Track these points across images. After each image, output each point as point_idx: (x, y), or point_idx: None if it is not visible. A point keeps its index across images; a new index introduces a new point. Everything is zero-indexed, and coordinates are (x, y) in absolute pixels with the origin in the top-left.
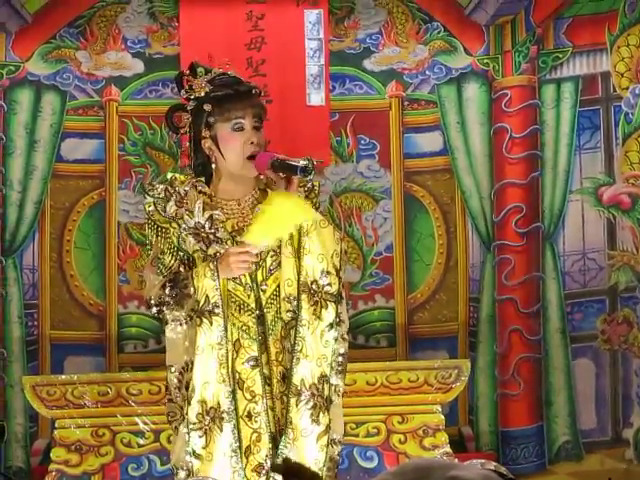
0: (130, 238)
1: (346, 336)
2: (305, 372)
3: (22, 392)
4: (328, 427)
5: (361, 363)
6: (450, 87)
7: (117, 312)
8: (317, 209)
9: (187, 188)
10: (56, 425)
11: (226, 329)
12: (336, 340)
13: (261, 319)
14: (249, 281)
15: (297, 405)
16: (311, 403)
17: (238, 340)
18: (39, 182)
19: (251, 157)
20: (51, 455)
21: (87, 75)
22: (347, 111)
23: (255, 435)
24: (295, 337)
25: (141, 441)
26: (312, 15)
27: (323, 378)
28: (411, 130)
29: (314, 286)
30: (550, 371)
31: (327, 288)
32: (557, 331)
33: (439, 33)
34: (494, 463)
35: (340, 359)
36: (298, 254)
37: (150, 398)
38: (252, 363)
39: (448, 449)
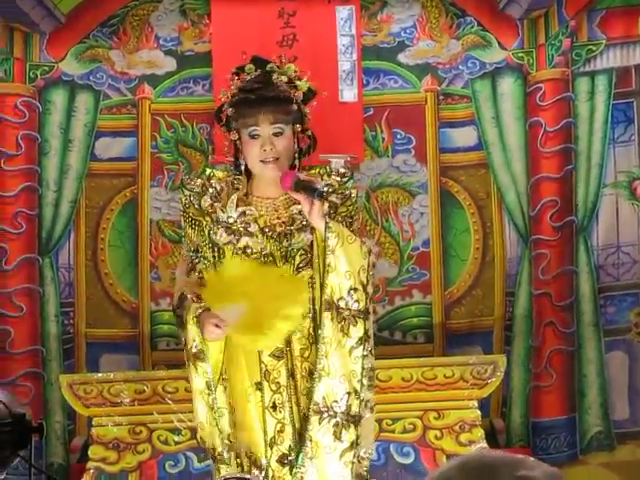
0: (162, 235)
1: (373, 351)
2: (327, 390)
3: (60, 390)
4: (354, 444)
5: (397, 359)
6: (484, 82)
7: (150, 309)
8: (352, 218)
9: (224, 185)
10: (93, 423)
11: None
12: (365, 356)
13: None
14: None
15: (320, 423)
16: (333, 421)
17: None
18: (74, 181)
19: (264, 161)
20: (89, 453)
21: (120, 74)
22: (382, 106)
23: (279, 425)
24: (317, 355)
25: (177, 438)
26: (344, 11)
27: (349, 395)
28: (446, 125)
29: (341, 303)
30: (583, 363)
31: (355, 305)
32: (590, 324)
33: (472, 28)
34: (532, 459)
35: (371, 374)
36: (322, 271)
37: (186, 395)
38: (278, 354)
39: (484, 444)
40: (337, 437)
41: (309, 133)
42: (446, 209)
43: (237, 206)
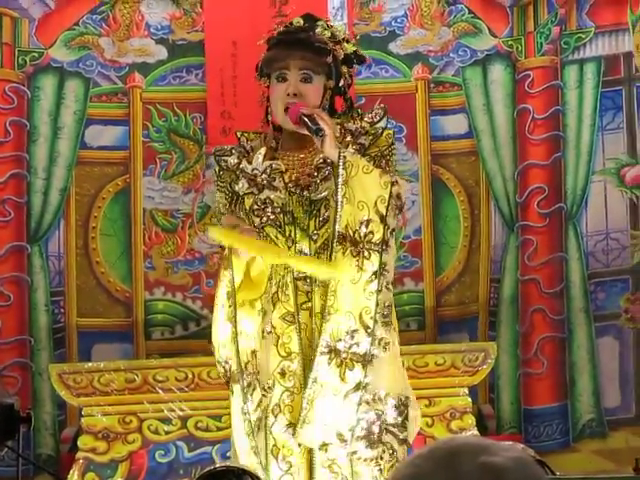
0: (155, 224)
1: (390, 286)
2: (333, 327)
3: (50, 380)
4: (359, 385)
5: None
6: (475, 69)
7: (144, 299)
8: (384, 156)
9: (255, 143)
10: (83, 413)
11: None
12: (380, 291)
13: None
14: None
15: (329, 364)
16: (338, 360)
17: (276, 293)
18: (63, 169)
19: (287, 109)
20: (78, 443)
21: (110, 62)
22: (373, 95)
23: (287, 394)
24: (327, 291)
25: (168, 428)
26: (336, 0)
27: (354, 332)
28: (437, 113)
29: (356, 236)
30: (574, 350)
31: (369, 237)
32: (581, 310)
33: (463, 15)
34: (521, 445)
35: (386, 311)
36: (336, 203)
37: (177, 385)
38: (289, 319)
39: (475, 432)
40: (342, 377)
41: (347, 97)
42: (437, 197)
43: (264, 160)
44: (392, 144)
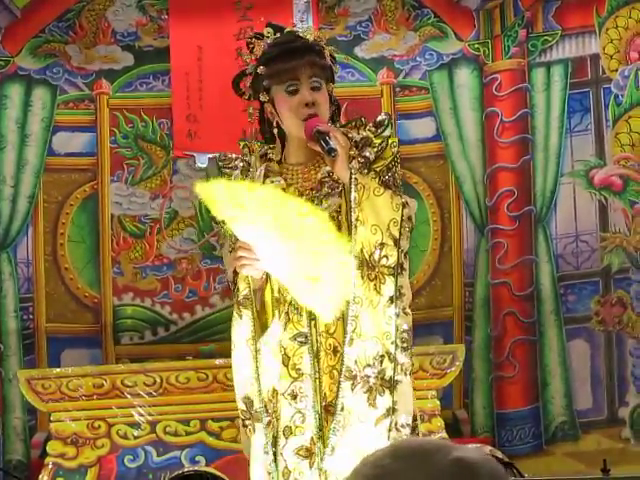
0: (123, 230)
1: (408, 310)
2: (359, 353)
3: (19, 386)
4: (390, 410)
5: None
6: (441, 73)
7: (112, 304)
8: (390, 169)
9: (256, 156)
10: (52, 418)
11: (255, 323)
12: (398, 315)
13: None
14: None
15: (352, 389)
16: (367, 386)
17: (287, 313)
18: (31, 176)
19: (307, 119)
20: (47, 448)
21: (77, 69)
22: (339, 99)
23: (298, 416)
24: (347, 316)
25: (137, 432)
26: (301, 4)
27: (382, 357)
28: (403, 117)
29: (372, 260)
30: (545, 353)
31: (384, 261)
32: (551, 313)
33: (429, 19)
34: (489, 447)
35: (405, 335)
36: (351, 227)
37: (145, 389)
38: (301, 340)
39: (444, 434)
40: (371, 404)
41: (334, 100)
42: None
43: (266, 177)
44: (397, 153)
